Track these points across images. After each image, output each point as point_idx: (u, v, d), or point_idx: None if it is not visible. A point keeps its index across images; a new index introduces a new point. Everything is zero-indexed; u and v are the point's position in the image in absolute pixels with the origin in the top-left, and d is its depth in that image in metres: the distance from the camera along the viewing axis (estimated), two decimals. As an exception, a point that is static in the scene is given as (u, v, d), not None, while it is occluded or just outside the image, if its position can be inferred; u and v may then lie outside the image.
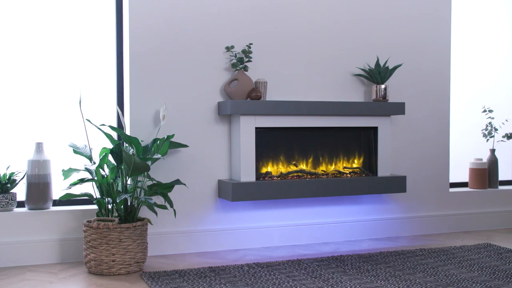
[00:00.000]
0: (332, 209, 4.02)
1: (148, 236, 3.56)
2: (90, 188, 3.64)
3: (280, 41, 3.85)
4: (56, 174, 3.59)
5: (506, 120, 4.70)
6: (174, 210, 3.23)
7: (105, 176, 3.19)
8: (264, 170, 3.73)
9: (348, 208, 4.06)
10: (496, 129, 4.58)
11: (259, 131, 3.71)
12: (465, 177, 4.70)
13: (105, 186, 3.18)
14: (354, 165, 3.95)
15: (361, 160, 3.97)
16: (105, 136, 3.40)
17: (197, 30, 3.64)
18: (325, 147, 3.88)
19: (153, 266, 3.27)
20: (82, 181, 3.14)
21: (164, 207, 3.25)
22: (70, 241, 3.41)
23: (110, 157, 3.57)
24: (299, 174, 3.78)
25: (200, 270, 3.13)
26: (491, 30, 4.77)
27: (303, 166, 3.82)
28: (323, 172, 3.86)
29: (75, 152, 3.27)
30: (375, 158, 3.95)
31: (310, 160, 3.85)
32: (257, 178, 3.66)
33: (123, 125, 3.34)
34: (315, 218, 3.98)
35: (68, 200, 3.56)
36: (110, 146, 3.68)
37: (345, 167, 3.93)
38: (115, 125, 3.69)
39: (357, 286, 2.80)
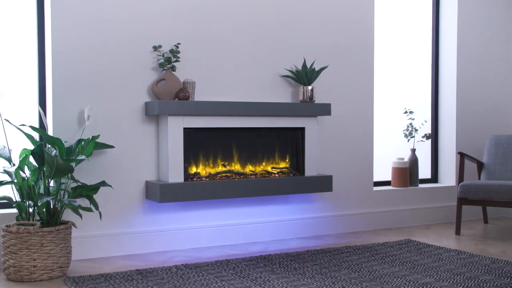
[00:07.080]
0: (261, 209, 4.06)
1: (73, 240, 3.45)
2: (9, 191, 3.48)
3: (209, 42, 3.84)
4: (-28, 176, 3.41)
5: (425, 121, 4.92)
6: (100, 213, 3.15)
7: (26, 178, 3.06)
8: (192, 170, 3.70)
9: (276, 208, 4.11)
10: (416, 130, 4.78)
11: (187, 132, 3.68)
12: (388, 176, 4.88)
13: (25, 188, 3.06)
14: (282, 165, 4.01)
15: (289, 160, 4.04)
16: (25, 137, 3.26)
17: (123, 29, 3.57)
18: (254, 147, 3.91)
19: (78, 271, 3.18)
20: (0, 183, 3.00)
21: (89, 210, 3.17)
22: (-13, 247, 3.25)
23: (31, 159, 3.43)
24: (228, 174, 3.79)
25: (127, 273, 3.07)
26: (411, 35, 4.97)
27: (231, 167, 3.84)
28: (252, 172, 3.89)
29: (-8, 153, 3.12)
30: (303, 158, 4.02)
31: (238, 161, 3.86)
32: (185, 179, 3.64)
33: (45, 125, 3.22)
34: (244, 218, 4.00)
35: (-15, 204, 3.39)
36: (31, 147, 3.54)
37: (273, 167, 3.97)
38: (37, 125, 3.55)
39: (285, 285, 2.84)
